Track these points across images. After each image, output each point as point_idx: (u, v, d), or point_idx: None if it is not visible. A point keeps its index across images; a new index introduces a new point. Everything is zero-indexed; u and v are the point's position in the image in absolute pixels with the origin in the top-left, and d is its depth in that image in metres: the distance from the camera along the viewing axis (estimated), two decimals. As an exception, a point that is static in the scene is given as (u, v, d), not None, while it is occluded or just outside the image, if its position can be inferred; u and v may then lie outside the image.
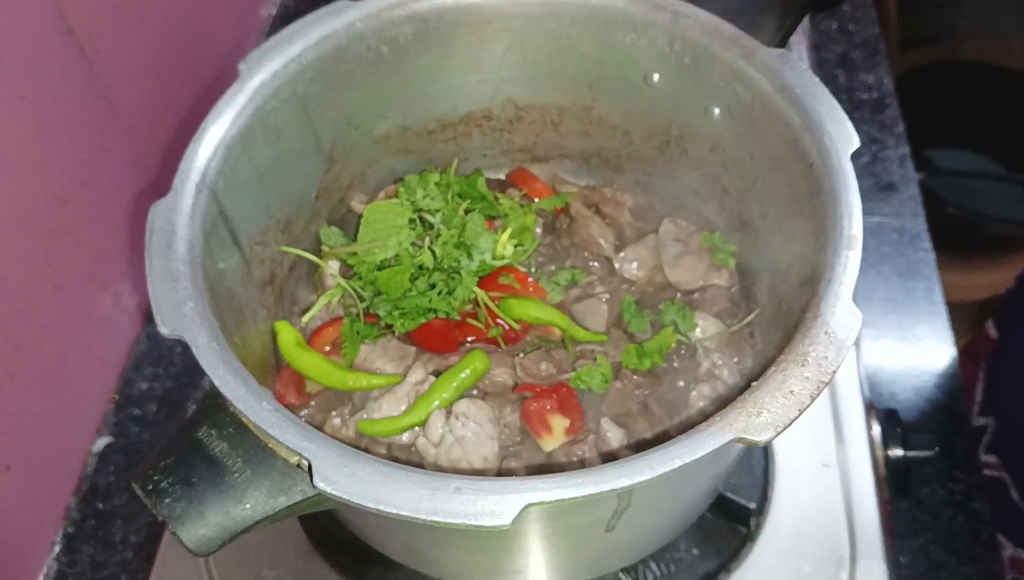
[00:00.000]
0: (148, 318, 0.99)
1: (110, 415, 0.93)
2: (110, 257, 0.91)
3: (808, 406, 0.47)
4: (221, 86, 0.65)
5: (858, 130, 1.24)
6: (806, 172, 0.59)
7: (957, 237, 1.57)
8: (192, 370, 0.96)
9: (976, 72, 1.72)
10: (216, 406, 0.50)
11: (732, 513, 0.73)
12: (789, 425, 0.46)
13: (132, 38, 0.91)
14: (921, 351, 0.98)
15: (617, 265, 0.76)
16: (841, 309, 0.51)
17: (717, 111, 0.68)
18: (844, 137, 0.58)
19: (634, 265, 0.76)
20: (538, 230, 0.78)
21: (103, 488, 0.88)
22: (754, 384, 0.48)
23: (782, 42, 0.67)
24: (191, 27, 1.04)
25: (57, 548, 0.84)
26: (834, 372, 0.48)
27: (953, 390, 0.94)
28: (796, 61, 0.62)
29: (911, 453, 0.79)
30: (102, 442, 0.91)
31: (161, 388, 0.95)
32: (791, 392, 0.47)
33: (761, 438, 0.45)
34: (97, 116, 0.87)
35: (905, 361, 0.97)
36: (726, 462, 0.64)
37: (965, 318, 1.15)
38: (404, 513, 0.44)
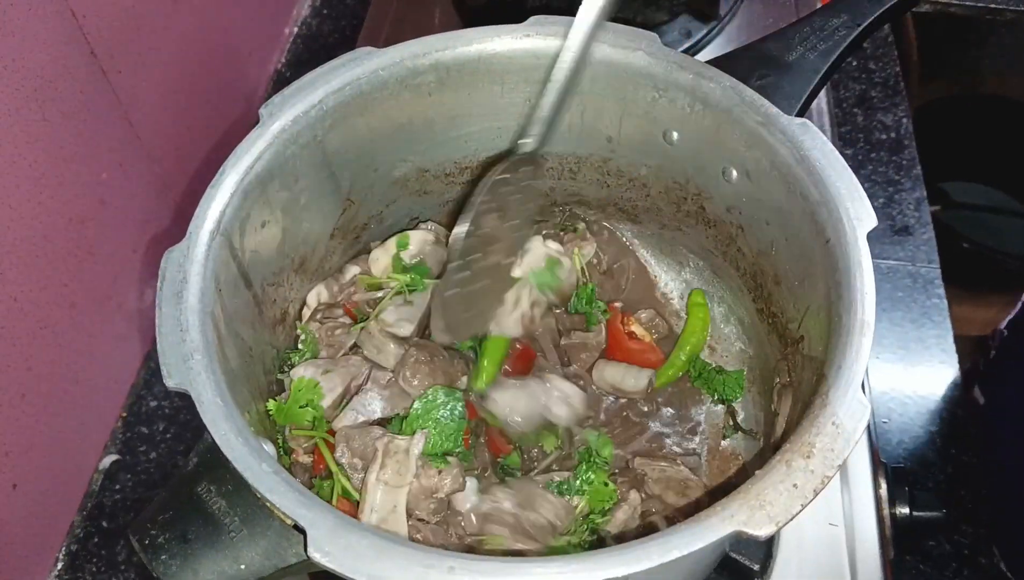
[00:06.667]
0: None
1: (118, 432, 0.93)
2: (125, 277, 0.92)
3: (812, 500, 0.46)
4: (243, 126, 0.65)
5: (875, 171, 1.22)
6: (822, 247, 0.58)
7: (970, 272, 1.55)
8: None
9: (996, 106, 1.69)
10: (217, 461, 0.50)
11: (737, 573, 0.72)
12: (790, 520, 0.46)
13: (154, 59, 0.92)
14: (931, 400, 0.97)
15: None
16: (851, 398, 0.49)
17: (735, 174, 0.67)
18: (862, 215, 0.57)
19: None
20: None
21: (108, 506, 0.89)
22: (758, 473, 0.47)
23: (803, 109, 0.66)
24: (213, 48, 1.04)
25: (60, 565, 0.85)
26: (839, 466, 0.47)
27: (963, 441, 0.93)
28: (817, 132, 0.61)
29: (918, 513, 0.79)
30: (108, 459, 0.92)
31: (170, 407, 0.96)
32: (794, 486, 0.46)
33: (761, 533, 0.45)
34: (118, 137, 0.87)
35: (915, 409, 0.96)
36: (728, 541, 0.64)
37: (976, 352, 1.13)
38: (396, 590, 0.44)
